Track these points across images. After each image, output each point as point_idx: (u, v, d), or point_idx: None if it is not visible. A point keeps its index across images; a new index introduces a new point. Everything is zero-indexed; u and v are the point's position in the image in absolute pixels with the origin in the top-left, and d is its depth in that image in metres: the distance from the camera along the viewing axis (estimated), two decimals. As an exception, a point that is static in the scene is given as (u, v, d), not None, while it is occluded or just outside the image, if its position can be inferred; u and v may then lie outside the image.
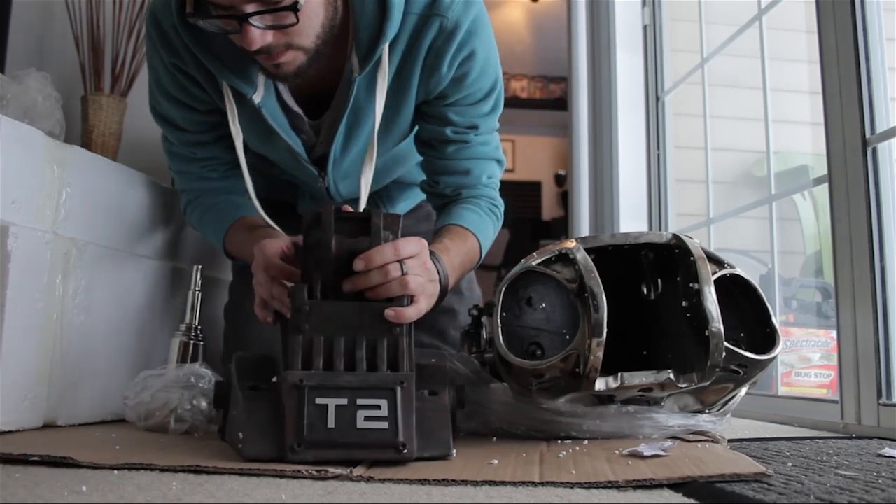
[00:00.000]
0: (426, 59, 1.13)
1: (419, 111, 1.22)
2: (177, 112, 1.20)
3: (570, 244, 1.02)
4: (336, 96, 1.16)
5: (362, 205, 1.15)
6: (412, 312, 0.89)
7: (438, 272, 1.04)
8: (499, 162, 1.30)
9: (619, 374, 0.96)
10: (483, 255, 1.25)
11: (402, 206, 1.48)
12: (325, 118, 1.19)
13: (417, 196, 1.50)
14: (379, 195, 1.43)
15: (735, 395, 1.05)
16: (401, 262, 0.90)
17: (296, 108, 1.17)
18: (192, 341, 1.18)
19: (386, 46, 1.09)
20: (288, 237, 1.03)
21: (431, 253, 1.05)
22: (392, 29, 1.07)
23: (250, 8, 0.95)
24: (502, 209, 1.31)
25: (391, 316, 0.87)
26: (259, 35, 0.97)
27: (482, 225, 1.24)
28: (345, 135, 1.18)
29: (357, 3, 1.08)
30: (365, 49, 1.09)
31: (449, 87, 1.17)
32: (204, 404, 1.02)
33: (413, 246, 0.93)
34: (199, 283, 1.22)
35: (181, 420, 1.01)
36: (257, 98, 1.11)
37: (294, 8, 0.95)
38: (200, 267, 1.24)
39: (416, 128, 1.27)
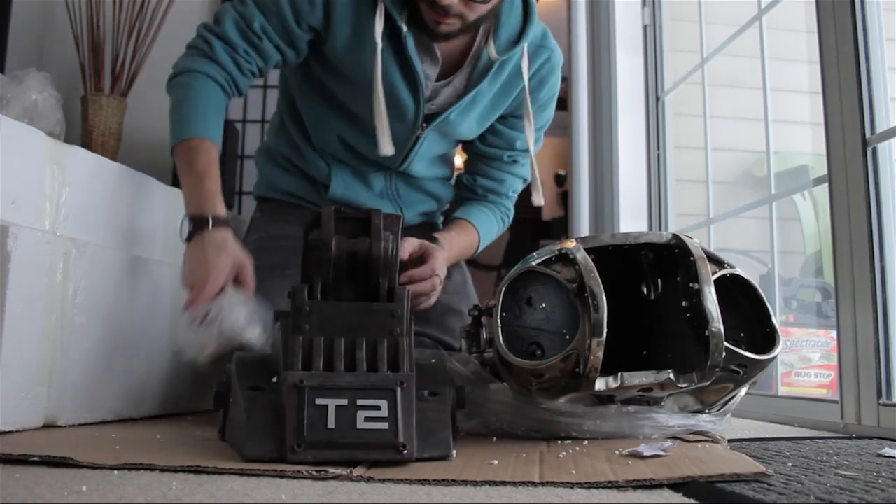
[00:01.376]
0: (531, 80, 1.37)
1: (491, 127, 1.45)
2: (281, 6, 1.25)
3: (570, 244, 1.02)
4: (463, 71, 1.35)
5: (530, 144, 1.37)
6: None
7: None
8: (525, 180, 1.53)
9: (619, 374, 0.96)
10: (479, 250, 1.50)
11: (413, 210, 1.52)
12: (447, 85, 1.35)
13: (428, 207, 1.55)
14: (399, 196, 1.48)
15: (735, 395, 1.05)
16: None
17: (438, 52, 1.32)
18: None
19: (526, 46, 1.34)
20: (231, 266, 1.13)
21: (436, 239, 1.33)
22: (532, 31, 1.33)
23: None
24: (511, 217, 1.56)
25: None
26: None
27: (489, 227, 1.49)
28: (468, 104, 1.35)
29: (506, 5, 1.31)
30: (505, 42, 1.33)
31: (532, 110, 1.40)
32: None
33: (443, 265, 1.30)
34: None
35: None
36: (404, 27, 1.25)
37: None
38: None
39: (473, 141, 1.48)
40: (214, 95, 1.24)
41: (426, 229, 1.55)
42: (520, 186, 1.54)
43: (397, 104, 1.31)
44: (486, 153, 1.48)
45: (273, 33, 1.25)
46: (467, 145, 1.52)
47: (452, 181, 1.59)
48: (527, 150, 1.43)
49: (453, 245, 1.37)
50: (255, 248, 1.47)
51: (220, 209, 1.17)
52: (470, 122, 1.39)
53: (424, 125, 1.35)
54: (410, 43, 1.26)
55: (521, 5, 1.35)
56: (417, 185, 1.50)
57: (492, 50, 1.31)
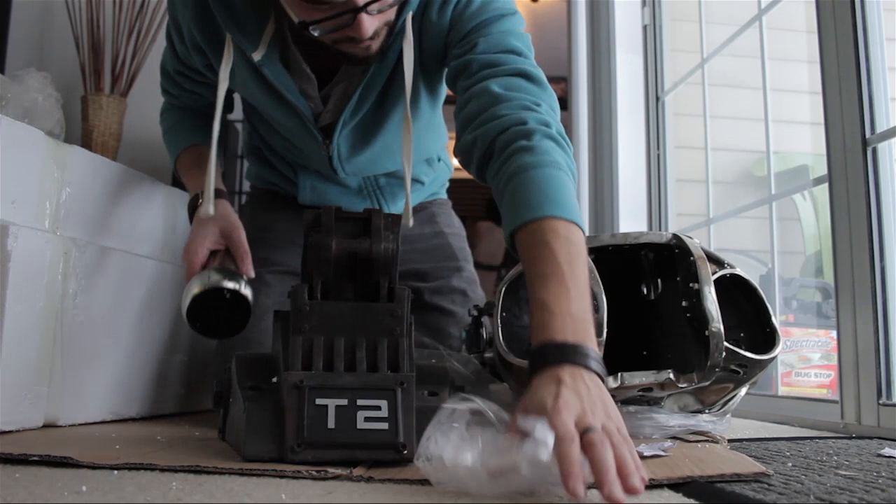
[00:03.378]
0: (453, 26, 1.09)
1: (448, 80, 1.13)
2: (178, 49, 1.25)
3: (570, 244, 1.02)
4: (348, 68, 1.17)
5: (407, 175, 1.10)
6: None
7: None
8: (532, 79, 1.03)
9: (619, 374, 0.96)
10: (583, 227, 0.88)
11: (402, 204, 1.46)
12: (336, 86, 1.19)
13: (418, 196, 1.50)
14: (380, 190, 1.42)
15: (735, 395, 1.06)
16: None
17: (309, 72, 1.17)
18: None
19: (409, 16, 1.08)
20: (214, 233, 1.13)
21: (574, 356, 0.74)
22: (414, 1, 1.07)
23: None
24: (563, 135, 0.97)
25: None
26: (370, 22, 0.97)
27: (560, 184, 0.89)
28: (357, 102, 1.18)
29: None
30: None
31: (451, 33, 1.10)
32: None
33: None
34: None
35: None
36: (257, 56, 1.10)
37: None
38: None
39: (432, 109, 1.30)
40: (180, 115, 1.36)
41: (425, 220, 1.49)
42: (533, 89, 1.01)
43: (290, 128, 1.26)
44: (469, 92, 1.04)
45: (188, 74, 1.29)
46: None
47: (440, 157, 1.50)
48: (509, 52, 1.05)
49: (574, 315, 0.78)
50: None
51: (212, 186, 1.17)
52: (383, 109, 1.20)
53: (328, 142, 1.24)
54: (269, 72, 1.14)
55: None
56: (397, 175, 1.39)
57: None
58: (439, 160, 1.52)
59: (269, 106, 1.23)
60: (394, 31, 1.07)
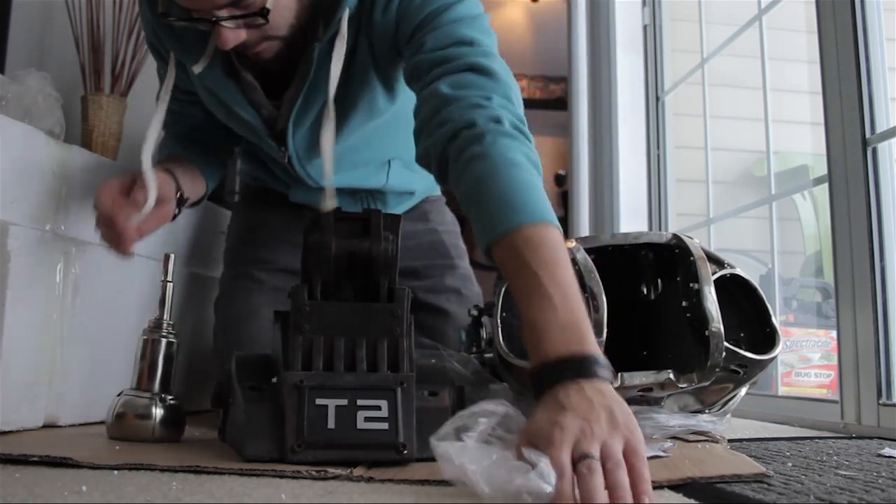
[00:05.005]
0: (399, 22, 1.04)
1: (406, 77, 1.07)
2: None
3: (570, 244, 1.02)
4: (299, 70, 1.12)
5: (327, 167, 1.06)
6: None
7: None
8: (479, 71, 0.98)
9: (619, 374, 0.96)
10: (556, 225, 0.82)
11: (399, 210, 1.42)
12: (287, 92, 1.15)
13: (408, 203, 1.45)
14: (372, 199, 1.38)
15: (735, 395, 1.06)
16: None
17: (250, 79, 1.14)
18: (162, 338, 1.05)
19: (346, 13, 1.04)
20: (130, 177, 1.09)
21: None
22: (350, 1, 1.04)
23: (222, 13, 0.97)
24: (518, 127, 0.91)
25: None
26: (233, 34, 1.00)
27: (520, 185, 0.84)
28: (301, 104, 1.12)
29: None
30: (328, 19, 1.06)
31: (399, 32, 1.05)
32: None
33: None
34: (172, 273, 1.10)
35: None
36: (198, 69, 1.10)
37: (263, 14, 0.98)
38: (174, 256, 1.11)
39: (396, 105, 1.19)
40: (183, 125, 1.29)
41: (418, 217, 1.44)
42: (484, 83, 0.96)
43: (251, 137, 1.23)
44: (420, 96, 1.00)
45: (177, 95, 1.21)
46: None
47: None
48: (459, 43, 0.99)
49: (561, 300, 0.75)
50: (235, 242, 1.42)
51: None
52: (342, 107, 1.11)
53: (284, 149, 1.18)
54: (212, 84, 1.14)
55: None
56: (392, 190, 1.38)
57: (319, 30, 1.07)
58: None
59: (225, 117, 1.21)
60: (328, 31, 1.05)
